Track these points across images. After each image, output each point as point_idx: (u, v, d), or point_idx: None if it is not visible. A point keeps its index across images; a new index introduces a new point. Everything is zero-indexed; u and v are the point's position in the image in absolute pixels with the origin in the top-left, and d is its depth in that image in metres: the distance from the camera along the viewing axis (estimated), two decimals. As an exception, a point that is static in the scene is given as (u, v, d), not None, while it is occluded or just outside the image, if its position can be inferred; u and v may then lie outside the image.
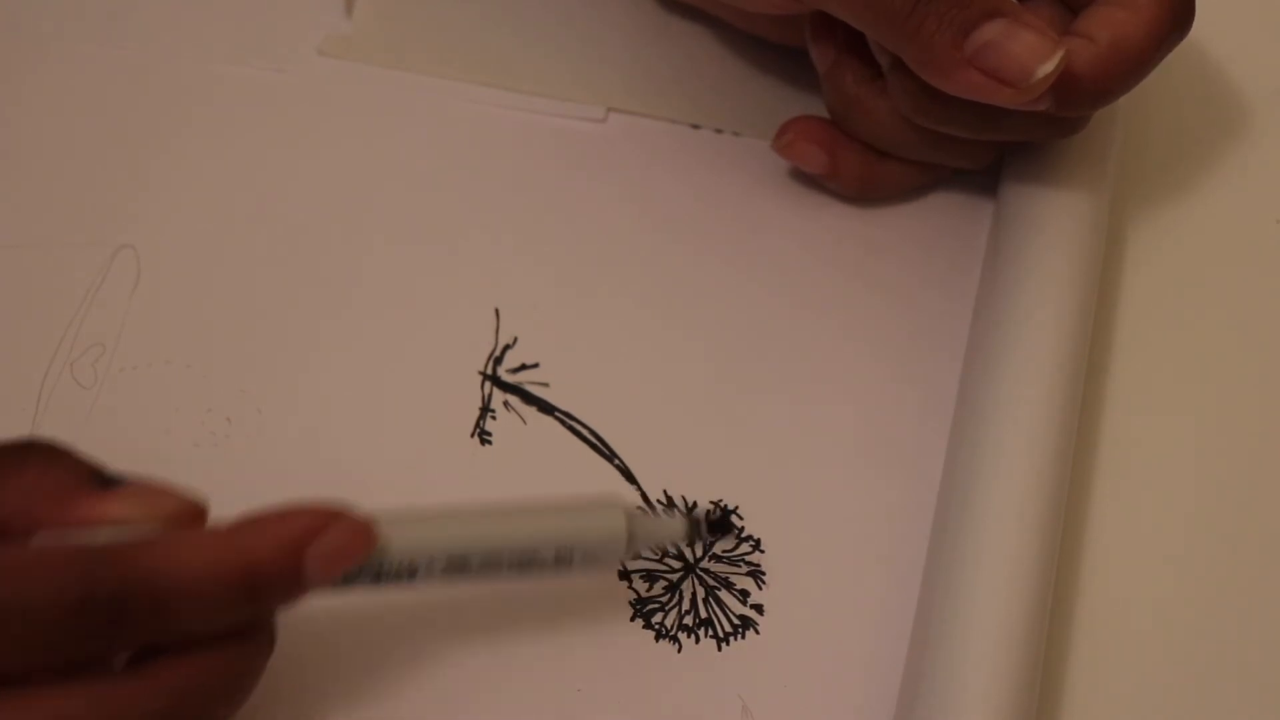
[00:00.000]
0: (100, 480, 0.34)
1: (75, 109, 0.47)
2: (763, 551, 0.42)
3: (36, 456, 0.34)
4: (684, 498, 0.42)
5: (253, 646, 0.34)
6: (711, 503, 0.42)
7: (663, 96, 0.49)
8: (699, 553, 0.41)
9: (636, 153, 0.48)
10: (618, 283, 0.46)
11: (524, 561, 0.36)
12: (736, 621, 0.41)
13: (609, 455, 0.43)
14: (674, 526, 0.39)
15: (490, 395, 0.44)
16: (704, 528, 0.39)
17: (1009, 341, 0.42)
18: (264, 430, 0.43)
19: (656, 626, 0.40)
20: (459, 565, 0.36)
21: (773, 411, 0.44)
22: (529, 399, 0.44)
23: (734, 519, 0.41)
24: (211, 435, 0.42)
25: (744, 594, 0.41)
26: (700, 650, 0.40)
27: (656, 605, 0.41)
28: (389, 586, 0.35)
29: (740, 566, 0.41)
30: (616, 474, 0.43)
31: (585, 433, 0.43)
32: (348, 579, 0.35)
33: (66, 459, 0.34)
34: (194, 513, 0.35)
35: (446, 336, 0.44)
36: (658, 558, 0.41)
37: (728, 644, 0.40)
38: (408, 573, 0.35)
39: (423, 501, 0.41)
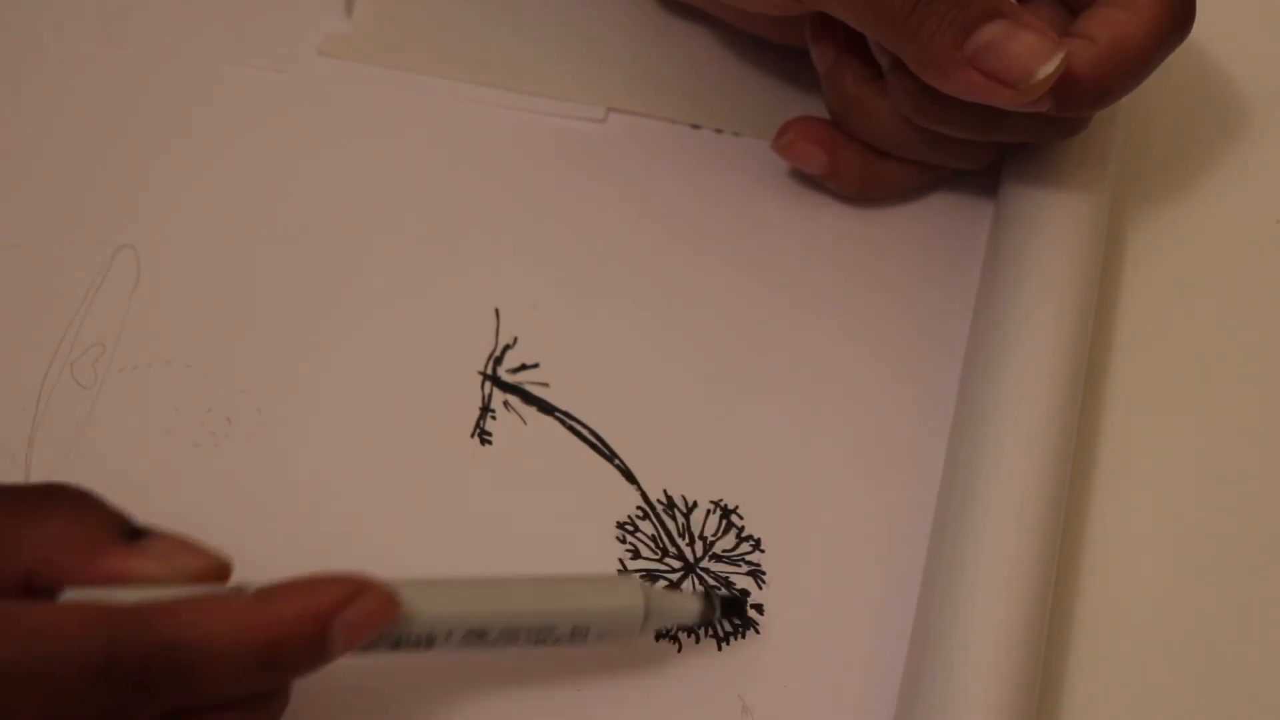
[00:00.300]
0: (127, 533, 0.34)
1: (75, 109, 0.47)
2: (763, 551, 0.42)
3: (64, 504, 0.34)
4: (684, 497, 0.42)
5: (273, 704, 0.34)
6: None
7: (663, 96, 0.49)
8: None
9: (636, 153, 0.48)
10: (618, 283, 0.46)
11: (540, 635, 0.37)
12: (736, 621, 0.41)
13: (609, 455, 0.43)
14: (689, 605, 0.39)
15: (490, 395, 0.44)
16: (718, 608, 0.39)
17: (1009, 341, 0.42)
18: (264, 430, 0.43)
19: (656, 626, 0.40)
20: (476, 636, 0.36)
21: (773, 411, 0.44)
22: (529, 399, 0.44)
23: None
24: (211, 435, 0.42)
25: (744, 594, 0.41)
26: (700, 650, 0.40)
27: (657, 605, 0.41)
28: (405, 652, 0.35)
29: (740, 566, 0.41)
30: (616, 474, 0.43)
31: (585, 433, 0.43)
32: (365, 646, 0.35)
33: (94, 509, 0.34)
34: (220, 571, 0.34)
35: (446, 336, 0.44)
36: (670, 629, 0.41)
37: (728, 644, 0.40)
38: (425, 642, 0.35)
39: (423, 501, 0.42)
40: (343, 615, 0.34)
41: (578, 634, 0.37)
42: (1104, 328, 0.45)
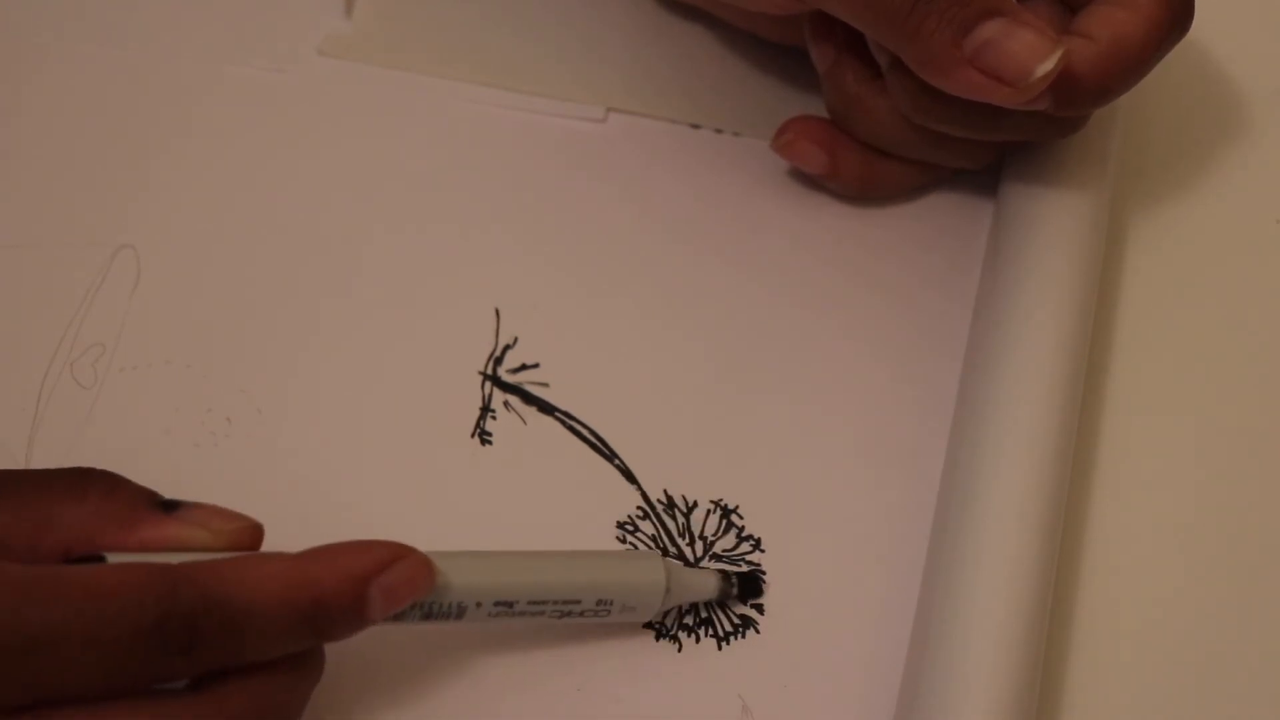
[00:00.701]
0: (161, 505, 0.34)
1: (75, 109, 0.47)
2: (763, 551, 0.42)
3: (95, 483, 0.34)
4: (684, 497, 0.42)
5: (308, 671, 0.35)
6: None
7: (663, 96, 0.49)
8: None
9: (636, 153, 0.48)
10: (618, 283, 0.46)
11: (566, 608, 0.37)
12: (737, 621, 0.41)
13: (609, 455, 0.43)
14: (708, 582, 0.40)
15: (490, 395, 0.44)
16: (735, 588, 0.40)
17: (1009, 341, 0.42)
18: (264, 430, 0.43)
19: (656, 626, 0.40)
20: (504, 608, 0.37)
21: (773, 411, 0.44)
22: (529, 399, 0.44)
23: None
24: (211, 435, 0.42)
25: (760, 572, 0.41)
26: (700, 650, 0.40)
27: (656, 605, 0.41)
28: (434, 622, 0.36)
29: (740, 566, 0.41)
30: (616, 474, 0.43)
31: (585, 433, 0.43)
32: (398, 615, 0.35)
33: (126, 485, 0.35)
34: (255, 535, 0.35)
35: (446, 336, 0.44)
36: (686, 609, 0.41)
37: (728, 644, 0.40)
38: (456, 613, 0.36)
39: (423, 502, 0.42)
40: (381, 579, 0.34)
41: (601, 607, 0.38)
42: (1104, 327, 0.45)
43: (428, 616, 0.36)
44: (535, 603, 0.37)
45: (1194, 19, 0.42)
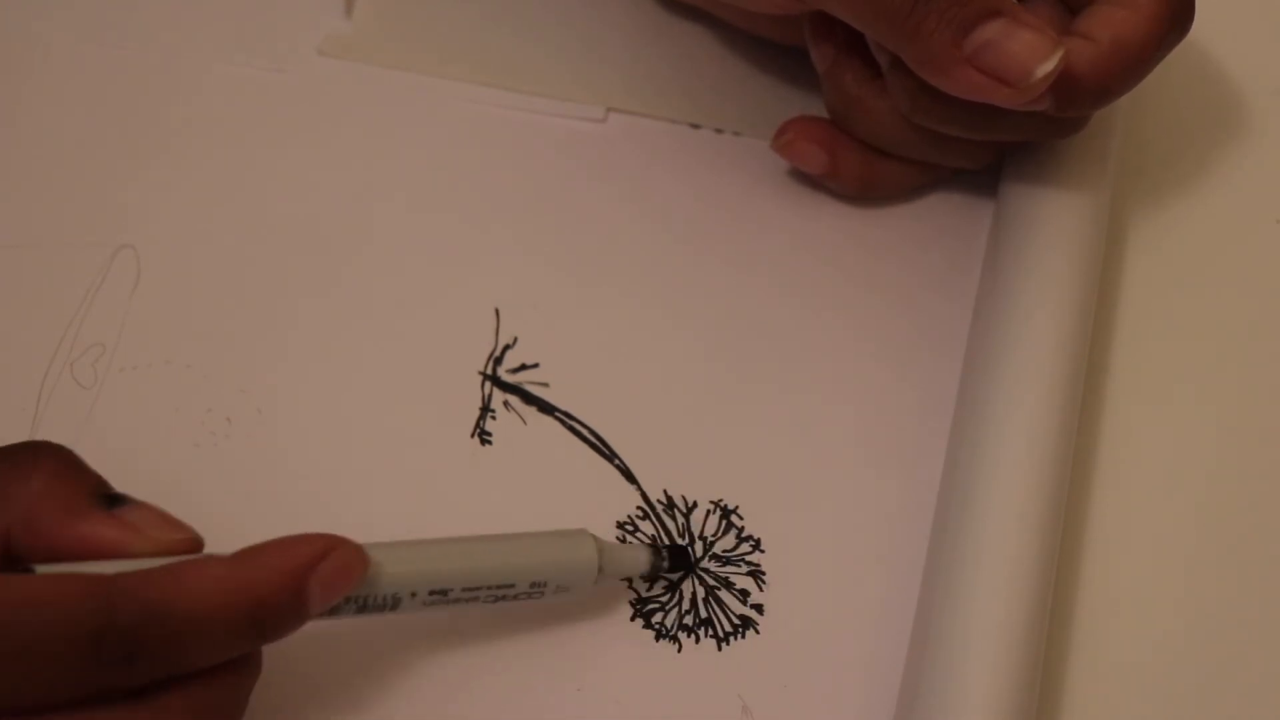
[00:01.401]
0: (105, 498, 0.34)
1: (75, 109, 0.47)
2: (763, 551, 0.42)
3: (46, 462, 0.34)
4: (684, 497, 0.42)
5: (247, 672, 0.35)
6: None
7: (663, 96, 0.49)
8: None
9: (636, 153, 0.48)
10: (618, 283, 0.46)
11: (500, 592, 0.37)
12: (736, 621, 0.41)
13: (609, 455, 0.43)
14: (639, 557, 0.40)
15: (490, 395, 0.44)
16: (666, 560, 0.40)
17: (1009, 341, 0.42)
18: (264, 430, 0.43)
19: (656, 626, 0.40)
20: (439, 595, 0.37)
21: (772, 411, 0.44)
22: (529, 399, 0.44)
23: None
24: (211, 435, 0.42)
25: (744, 594, 0.41)
26: (700, 650, 0.40)
27: (656, 605, 0.41)
28: (371, 615, 0.36)
29: (740, 566, 0.41)
30: (616, 474, 0.43)
31: (585, 433, 0.43)
32: (333, 610, 0.35)
33: (73, 468, 0.34)
34: (193, 547, 0.34)
35: (446, 336, 0.44)
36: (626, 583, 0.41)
37: (728, 644, 0.40)
38: (391, 604, 0.36)
39: (423, 502, 0.42)
40: (316, 572, 0.34)
41: (535, 589, 0.38)
42: (1104, 327, 0.45)
43: (362, 609, 0.36)
44: (469, 589, 0.37)
45: (1194, 19, 0.42)
